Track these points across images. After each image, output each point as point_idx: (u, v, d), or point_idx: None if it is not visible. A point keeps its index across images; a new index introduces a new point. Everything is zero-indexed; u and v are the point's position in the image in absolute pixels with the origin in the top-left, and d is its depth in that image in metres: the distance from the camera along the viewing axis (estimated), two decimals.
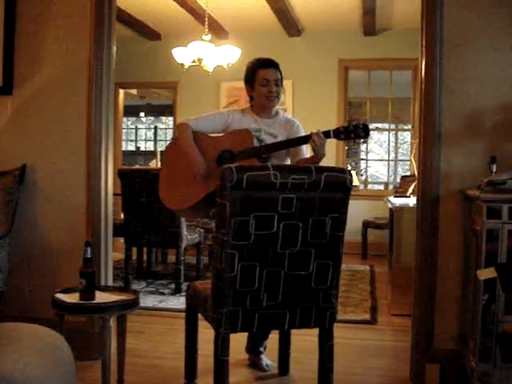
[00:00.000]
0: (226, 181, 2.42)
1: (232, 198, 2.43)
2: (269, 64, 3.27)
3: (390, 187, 9.39)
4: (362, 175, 11.10)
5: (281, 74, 3.30)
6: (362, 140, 3.12)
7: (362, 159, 11.74)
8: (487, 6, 3.11)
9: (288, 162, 3.31)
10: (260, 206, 2.47)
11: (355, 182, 8.14)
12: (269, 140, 3.22)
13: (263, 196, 2.47)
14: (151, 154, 13.34)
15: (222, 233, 2.47)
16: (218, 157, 3.20)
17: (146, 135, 17.36)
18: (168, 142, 3.91)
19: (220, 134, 3.34)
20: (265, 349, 3.48)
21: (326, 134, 3.07)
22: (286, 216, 2.51)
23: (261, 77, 3.24)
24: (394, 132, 11.28)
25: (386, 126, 9.94)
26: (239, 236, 2.46)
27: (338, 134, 3.07)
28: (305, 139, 3.14)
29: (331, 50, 8.11)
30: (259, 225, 2.47)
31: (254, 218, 2.46)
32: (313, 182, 2.51)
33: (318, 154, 3.09)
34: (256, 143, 3.18)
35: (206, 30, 6.53)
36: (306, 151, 3.28)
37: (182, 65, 6.69)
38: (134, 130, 17.13)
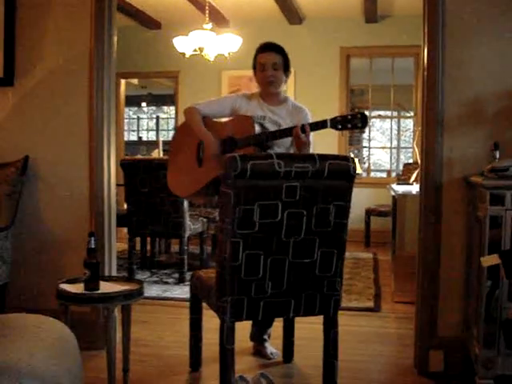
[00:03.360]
0: (230, 170, 2.42)
1: (236, 187, 2.43)
2: (266, 48, 3.25)
3: (393, 175, 9.36)
4: (364, 163, 11.09)
5: (284, 56, 3.24)
6: (359, 130, 3.07)
7: (365, 147, 11.72)
8: None
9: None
10: (264, 195, 2.47)
11: (358, 169, 8.13)
12: (272, 128, 3.17)
13: (267, 184, 2.47)
14: (153, 144, 13.31)
15: (227, 222, 2.48)
16: (220, 143, 3.19)
17: (148, 125, 17.32)
18: (172, 132, 3.92)
19: (224, 120, 3.33)
20: (269, 337, 3.49)
21: (323, 124, 2.99)
22: (290, 204, 2.51)
23: (259, 62, 3.23)
24: (396, 119, 11.23)
25: (388, 113, 9.90)
26: (243, 225, 2.46)
27: (335, 124, 2.97)
28: (290, 131, 3.05)
29: (333, 38, 8.08)
30: (263, 213, 2.47)
31: (258, 207, 2.46)
32: (316, 171, 2.51)
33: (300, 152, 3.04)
34: (259, 130, 3.15)
35: (207, 19, 6.51)
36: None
37: (183, 54, 6.67)
38: (135, 120, 17.10)
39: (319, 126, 3.01)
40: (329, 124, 2.98)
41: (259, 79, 3.27)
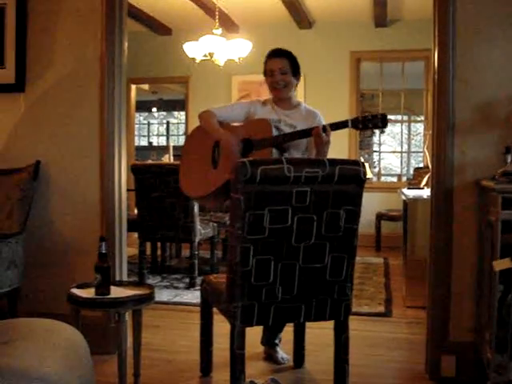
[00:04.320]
0: (239, 175, 2.42)
1: (246, 193, 2.43)
2: (273, 54, 3.29)
3: (404, 179, 9.34)
4: (375, 167, 11.06)
5: (292, 61, 3.26)
6: (380, 130, 3.07)
7: (375, 151, 11.71)
8: None
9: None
10: (274, 200, 2.46)
11: (368, 174, 8.10)
12: (288, 131, 3.20)
13: (277, 190, 2.46)
14: (164, 149, 13.36)
15: (237, 227, 2.47)
16: (237, 144, 3.20)
17: (159, 130, 17.39)
18: (183, 137, 3.93)
19: (240, 123, 3.34)
20: (280, 341, 3.48)
21: (344, 124, 3.01)
22: (301, 209, 2.50)
23: (267, 68, 3.28)
24: (406, 123, 11.21)
25: (399, 117, 9.88)
26: (254, 230, 2.46)
27: (356, 123, 3.00)
28: (309, 132, 3.07)
29: (343, 42, 8.08)
30: (274, 218, 2.47)
31: (269, 212, 2.46)
32: (327, 175, 2.51)
33: (319, 153, 3.05)
34: (275, 133, 3.17)
35: (217, 24, 6.52)
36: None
37: (194, 59, 6.69)
38: (146, 125, 17.17)
39: (340, 125, 3.04)
40: (350, 124, 3.01)
41: (267, 84, 3.31)
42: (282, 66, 3.24)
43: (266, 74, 3.31)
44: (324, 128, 3.01)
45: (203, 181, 3.27)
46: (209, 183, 3.22)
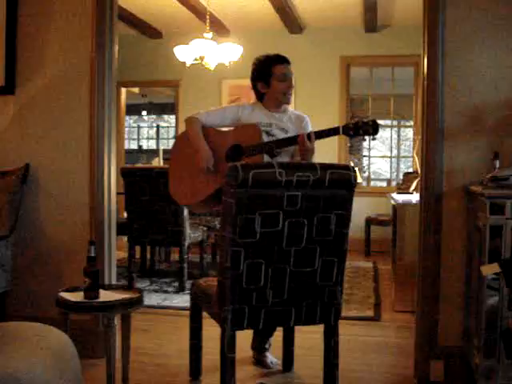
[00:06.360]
0: (231, 179, 2.43)
1: (238, 197, 2.43)
2: (285, 60, 3.26)
3: (393, 184, 9.38)
4: (364, 172, 11.09)
5: None
6: (372, 137, 3.09)
7: (365, 156, 11.74)
8: (489, 2, 3.11)
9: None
10: (265, 204, 2.47)
11: (358, 179, 8.11)
12: (280, 135, 3.20)
13: (268, 194, 2.47)
14: (154, 153, 13.35)
15: (228, 230, 2.48)
16: (226, 151, 3.21)
17: (149, 134, 17.37)
18: (173, 140, 3.92)
19: (229, 129, 3.34)
20: (270, 346, 3.48)
21: (335, 130, 3.04)
22: (291, 213, 2.51)
23: (279, 72, 3.22)
24: (396, 129, 11.27)
25: (388, 122, 9.93)
26: (245, 234, 2.47)
27: (347, 130, 3.03)
28: (295, 139, 3.10)
29: (333, 47, 8.10)
30: (265, 222, 2.48)
31: (260, 216, 2.46)
32: (318, 180, 2.51)
33: (303, 161, 3.07)
34: (266, 138, 3.17)
35: (208, 28, 6.52)
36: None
37: (184, 63, 6.69)
38: (136, 129, 17.14)
39: (331, 132, 3.06)
40: (341, 130, 3.04)
41: (276, 89, 3.24)
42: (291, 73, 3.26)
43: (271, 77, 3.23)
44: (308, 135, 3.03)
45: (193, 188, 3.27)
46: (199, 191, 3.22)
